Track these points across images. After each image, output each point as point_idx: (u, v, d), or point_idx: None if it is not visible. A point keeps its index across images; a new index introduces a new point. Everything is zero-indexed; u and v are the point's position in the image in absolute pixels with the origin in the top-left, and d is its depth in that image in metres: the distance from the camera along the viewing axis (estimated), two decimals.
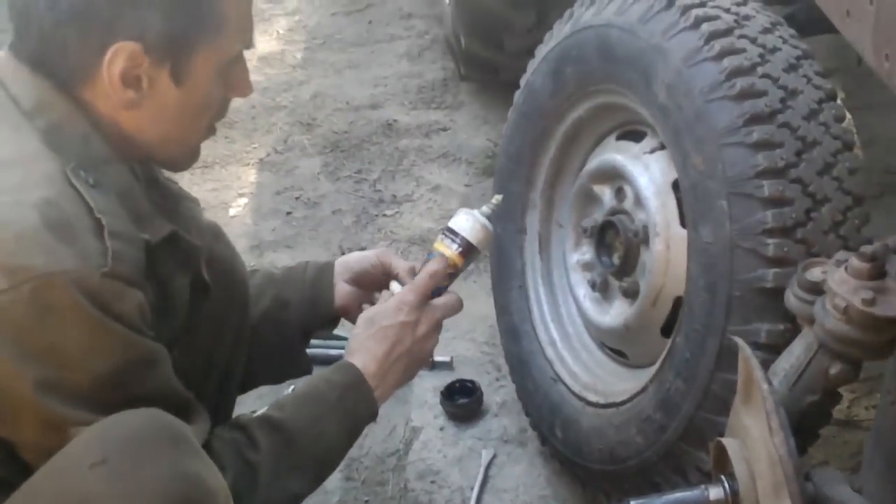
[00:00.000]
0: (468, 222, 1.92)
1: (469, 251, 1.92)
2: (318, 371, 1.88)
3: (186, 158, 1.73)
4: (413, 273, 1.95)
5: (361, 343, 1.82)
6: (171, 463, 1.40)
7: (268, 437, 1.68)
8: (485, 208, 1.96)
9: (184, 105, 1.61)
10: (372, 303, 1.98)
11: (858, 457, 2.43)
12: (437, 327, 1.87)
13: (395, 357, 1.81)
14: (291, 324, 2.03)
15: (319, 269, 2.05)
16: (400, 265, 2.00)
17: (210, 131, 1.72)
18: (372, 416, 1.82)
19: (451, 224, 1.94)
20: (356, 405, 1.78)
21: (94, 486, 1.35)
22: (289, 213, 3.88)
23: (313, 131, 4.52)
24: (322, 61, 5.28)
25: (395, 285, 1.96)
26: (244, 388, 2.07)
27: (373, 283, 2.04)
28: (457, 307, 1.90)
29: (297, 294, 2.03)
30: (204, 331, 1.82)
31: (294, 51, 5.45)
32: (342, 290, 2.02)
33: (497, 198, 2.00)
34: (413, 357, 1.84)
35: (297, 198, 3.99)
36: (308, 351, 2.11)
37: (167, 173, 1.81)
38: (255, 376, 2.08)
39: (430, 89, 4.81)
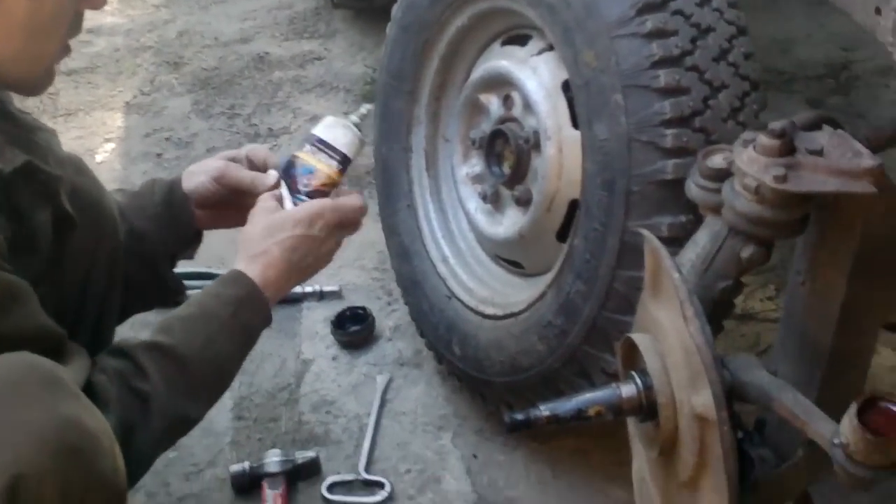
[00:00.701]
0: (346, 136, 1.84)
1: (346, 166, 1.84)
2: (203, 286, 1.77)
3: (40, 80, 1.60)
4: (260, 184, 1.84)
5: (266, 249, 1.71)
6: (46, 407, 1.30)
7: (157, 363, 1.57)
8: (354, 116, 1.87)
9: (34, 16, 1.49)
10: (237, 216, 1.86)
11: (756, 349, 2.47)
12: (339, 240, 1.81)
13: (298, 269, 1.73)
14: (154, 253, 1.91)
15: (167, 189, 1.89)
16: (245, 180, 1.86)
17: (65, 51, 1.60)
18: (266, 324, 1.72)
19: (325, 136, 1.83)
20: (251, 318, 1.68)
21: None
22: (159, 155, 3.72)
23: (181, 70, 4.36)
24: None
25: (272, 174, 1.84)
26: (119, 319, 1.95)
27: (222, 203, 1.90)
28: (358, 214, 1.82)
29: (152, 222, 1.89)
30: (74, 265, 1.70)
31: None
32: (196, 214, 1.90)
33: (366, 107, 1.92)
34: (312, 264, 1.77)
35: (167, 139, 3.83)
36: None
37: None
38: (129, 307, 1.95)
39: (301, 20, 4.69)
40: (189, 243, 1.97)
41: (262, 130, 3.80)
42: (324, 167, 1.82)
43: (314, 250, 1.75)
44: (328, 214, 1.75)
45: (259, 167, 1.89)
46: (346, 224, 1.80)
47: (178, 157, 3.68)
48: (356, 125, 1.85)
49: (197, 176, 1.89)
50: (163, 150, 3.75)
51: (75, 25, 1.59)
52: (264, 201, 1.78)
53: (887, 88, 3.68)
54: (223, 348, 1.65)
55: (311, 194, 1.81)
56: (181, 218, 1.89)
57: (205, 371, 1.62)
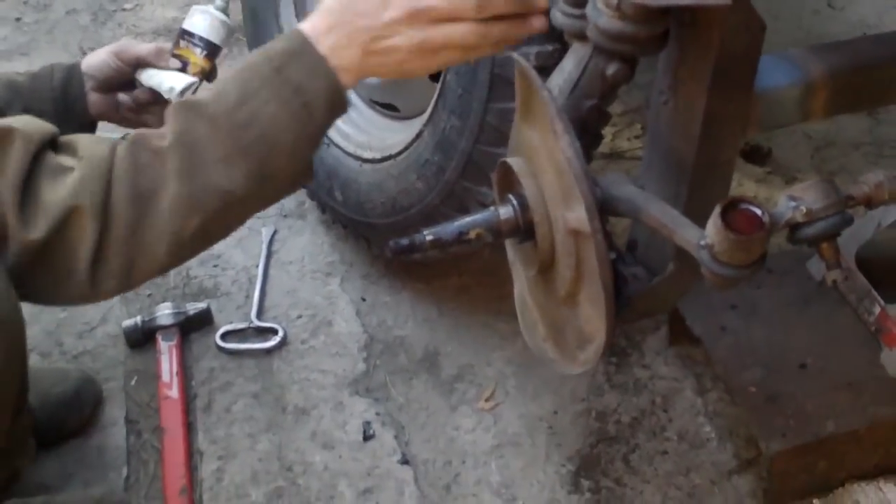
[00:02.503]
0: (206, 21, 1.86)
1: (214, 52, 1.86)
2: None
3: None
4: (162, 53, 1.83)
5: (317, 9, 1.39)
6: None
7: (180, 120, 1.34)
8: (219, 2, 1.88)
9: None
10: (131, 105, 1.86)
11: None
12: (414, 19, 1.35)
13: (357, 25, 1.35)
14: None
15: (66, 73, 1.82)
16: (144, 50, 1.83)
17: None
18: (329, 95, 1.37)
19: (189, 27, 1.86)
20: (304, 78, 1.35)
21: None
22: (18, 20, 3.59)
23: None
24: None
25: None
26: None
27: (122, 83, 1.85)
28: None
29: (48, 105, 1.79)
30: None
31: None
32: (94, 100, 1.83)
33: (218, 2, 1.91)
34: (382, 37, 1.35)
35: (24, 2, 3.69)
36: None
37: None
38: None
39: None
40: (83, 130, 1.89)
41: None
42: (191, 56, 1.85)
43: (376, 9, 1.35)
44: None
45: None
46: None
47: (37, 21, 3.56)
48: (221, 9, 1.87)
49: (97, 54, 1.84)
50: (21, 13, 3.62)
51: None
52: None
53: None
54: (265, 108, 1.34)
55: None
56: (76, 104, 1.82)
57: (240, 131, 1.34)
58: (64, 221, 1.30)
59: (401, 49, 1.36)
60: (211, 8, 1.87)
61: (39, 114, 1.66)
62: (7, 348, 1.36)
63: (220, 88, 1.37)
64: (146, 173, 1.32)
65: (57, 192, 1.30)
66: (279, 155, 1.37)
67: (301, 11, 2.41)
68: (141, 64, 1.84)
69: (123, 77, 1.84)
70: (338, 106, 1.39)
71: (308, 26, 1.36)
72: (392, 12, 1.33)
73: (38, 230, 1.29)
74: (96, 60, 1.84)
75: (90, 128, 1.87)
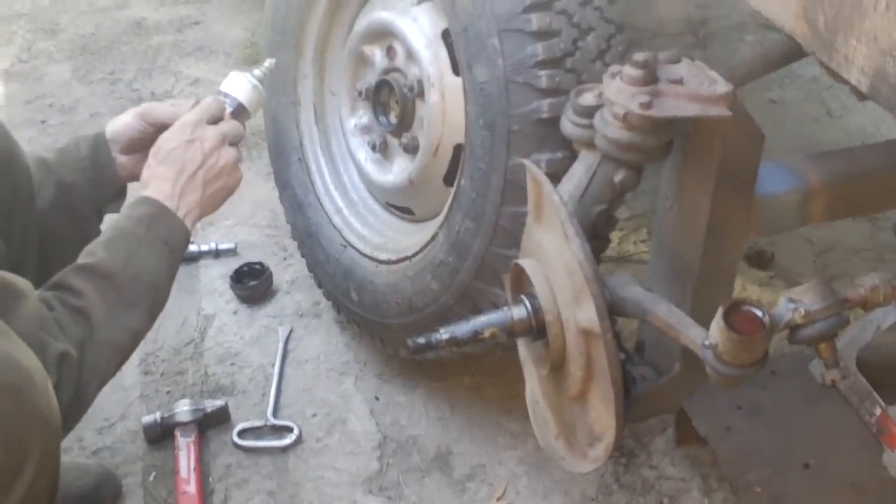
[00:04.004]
0: (239, 83, 1.94)
1: (240, 112, 1.93)
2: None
3: None
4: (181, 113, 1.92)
5: (152, 173, 1.80)
6: None
7: (87, 281, 1.66)
8: (256, 71, 1.97)
9: None
10: None
11: None
12: (223, 140, 1.85)
13: (188, 175, 1.80)
14: (82, 206, 1.93)
15: (92, 142, 1.93)
16: (167, 111, 1.93)
17: None
18: (185, 239, 1.80)
19: (223, 87, 1.94)
20: (167, 232, 1.76)
21: None
22: (43, 122, 3.69)
23: (58, 36, 4.30)
24: None
25: None
26: (39, 279, 1.97)
27: (145, 144, 1.92)
28: (240, 130, 1.90)
29: (80, 175, 1.92)
30: None
31: None
32: (121, 162, 1.93)
33: (269, 61, 2.00)
34: (210, 173, 1.83)
35: (50, 105, 3.80)
36: None
37: None
38: (50, 263, 1.96)
39: None
40: (115, 197, 1.99)
41: (145, 95, 3.80)
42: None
43: (198, 154, 1.81)
44: (190, 117, 1.84)
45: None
46: (226, 133, 1.87)
47: (62, 124, 3.66)
48: (258, 77, 1.95)
49: (121, 119, 1.95)
50: (46, 116, 3.72)
51: None
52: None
53: (742, 43, 3.87)
54: (147, 261, 1.72)
55: None
56: (106, 171, 1.93)
57: (134, 282, 1.70)
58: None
59: (227, 166, 1.85)
60: (247, 73, 1.95)
61: (72, 185, 1.89)
62: (44, 448, 1.43)
63: (108, 251, 1.70)
64: (76, 329, 1.60)
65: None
66: (162, 290, 1.77)
67: (320, 118, 2.51)
68: (164, 125, 1.91)
69: (147, 138, 1.92)
70: (188, 242, 1.83)
71: (157, 193, 1.78)
72: (208, 143, 1.82)
73: None
74: (120, 125, 1.94)
75: (121, 191, 2.00)
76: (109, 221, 1.80)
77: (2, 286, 1.51)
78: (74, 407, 1.59)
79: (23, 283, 1.56)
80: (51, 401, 1.43)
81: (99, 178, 1.92)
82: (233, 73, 1.95)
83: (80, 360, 1.57)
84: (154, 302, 1.75)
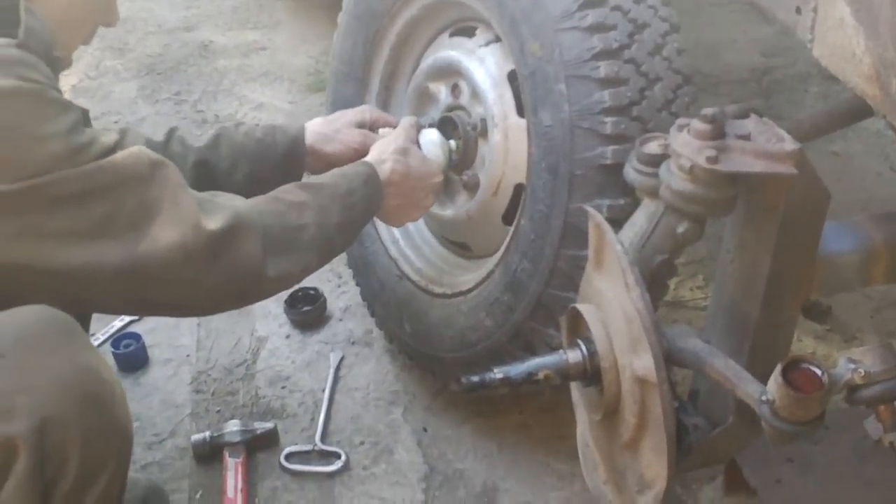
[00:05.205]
0: (434, 152, 2.14)
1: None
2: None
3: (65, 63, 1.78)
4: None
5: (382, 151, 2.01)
6: (68, 356, 1.42)
7: (307, 193, 1.81)
8: (452, 143, 2.19)
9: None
10: None
11: None
12: (437, 190, 2.11)
13: (409, 187, 2.00)
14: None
15: (292, 143, 2.09)
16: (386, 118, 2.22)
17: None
18: (377, 211, 1.98)
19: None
20: (374, 193, 1.93)
21: None
22: None
23: (126, 56, 4.40)
24: None
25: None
26: None
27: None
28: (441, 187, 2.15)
29: (272, 171, 2.07)
30: None
31: None
32: (309, 161, 2.12)
33: (453, 143, 2.20)
34: (414, 196, 2.04)
35: (115, 122, 3.89)
36: None
37: None
38: None
39: (244, 10, 4.75)
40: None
41: (209, 116, 3.86)
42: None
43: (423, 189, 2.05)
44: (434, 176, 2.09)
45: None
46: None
47: None
48: (451, 150, 2.19)
49: (335, 144, 2.12)
50: None
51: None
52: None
53: (806, 93, 3.86)
54: (358, 203, 1.89)
55: None
56: (295, 170, 2.09)
57: (347, 212, 1.86)
58: (234, 225, 1.62)
59: (423, 208, 2.10)
60: (446, 143, 2.17)
61: (264, 180, 2.01)
62: (119, 459, 1.48)
63: (334, 180, 1.87)
64: (288, 215, 1.74)
65: (227, 198, 1.70)
66: (354, 233, 1.93)
67: None
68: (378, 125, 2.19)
69: (344, 159, 2.09)
70: (369, 219, 1.99)
71: (382, 176, 1.95)
72: (434, 183, 2.08)
73: (216, 223, 1.59)
74: (335, 150, 2.13)
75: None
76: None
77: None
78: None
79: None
80: (128, 412, 1.49)
81: (288, 177, 2.02)
82: (432, 132, 2.18)
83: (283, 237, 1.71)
84: (348, 237, 1.91)
